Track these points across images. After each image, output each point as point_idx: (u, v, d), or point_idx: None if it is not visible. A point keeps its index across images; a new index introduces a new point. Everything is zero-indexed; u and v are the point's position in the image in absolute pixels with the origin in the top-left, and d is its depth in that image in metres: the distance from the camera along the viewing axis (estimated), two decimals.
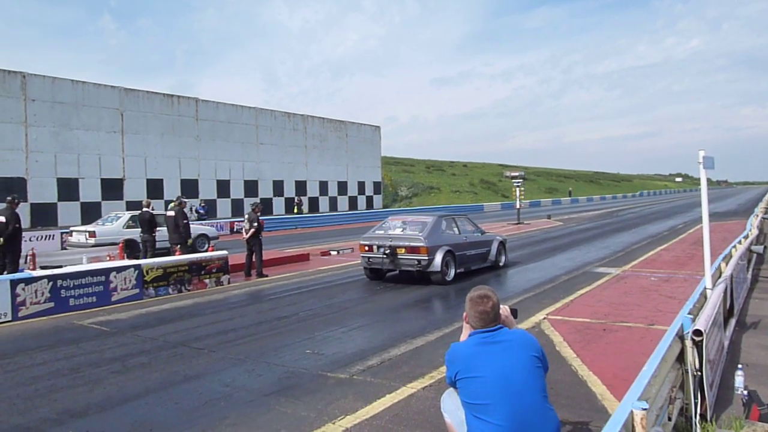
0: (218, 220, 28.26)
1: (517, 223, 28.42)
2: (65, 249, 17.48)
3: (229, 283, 11.98)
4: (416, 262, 11.15)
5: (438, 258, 11.13)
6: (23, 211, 26.74)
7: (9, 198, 11.30)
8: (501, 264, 13.45)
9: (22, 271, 11.10)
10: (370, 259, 11.70)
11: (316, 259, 16.15)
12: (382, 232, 11.97)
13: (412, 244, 11.19)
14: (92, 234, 16.80)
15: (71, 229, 18.63)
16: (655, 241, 18.62)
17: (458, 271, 11.73)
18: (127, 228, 16.81)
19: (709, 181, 5.53)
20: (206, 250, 18.61)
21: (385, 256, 11.32)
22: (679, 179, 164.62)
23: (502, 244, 13.57)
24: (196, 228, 19.93)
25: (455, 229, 12.23)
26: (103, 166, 29.66)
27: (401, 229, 11.83)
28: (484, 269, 13.04)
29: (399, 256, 11.29)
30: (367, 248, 11.74)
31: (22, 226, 11.87)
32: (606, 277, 11.53)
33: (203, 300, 10.34)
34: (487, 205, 51.94)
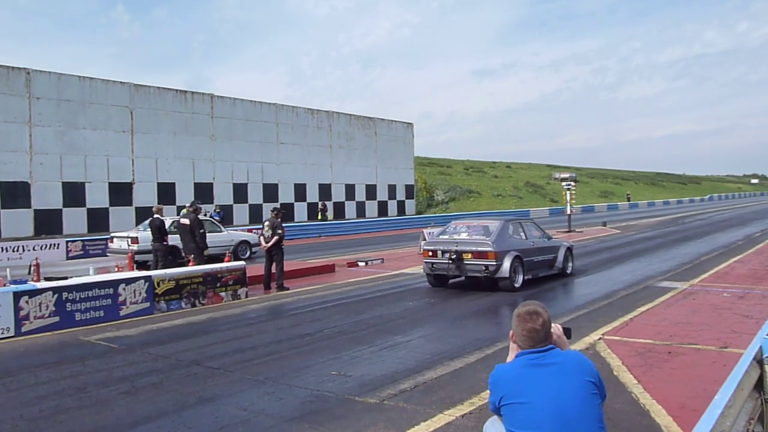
0: (235, 228, 28.63)
1: (567, 231, 28.08)
2: (107, 255, 18.22)
3: (246, 296, 12.11)
4: (483, 268, 11.63)
5: (506, 264, 11.64)
6: (27, 217, 27.52)
7: None
8: (568, 272, 13.93)
9: (24, 282, 11.39)
10: (434, 265, 12.26)
11: (343, 270, 16.21)
12: (446, 236, 12.53)
13: (480, 249, 11.70)
14: (135, 240, 17.37)
15: (112, 235, 19.48)
16: (728, 252, 18.18)
17: (526, 277, 12.25)
18: (169, 233, 17.24)
19: None
20: (248, 258, 19.28)
21: (450, 261, 11.85)
22: (755, 181, 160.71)
23: (569, 250, 14.11)
24: (237, 234, 20.68)
25: (522, 234, 12.77)
26: (112, 169, 30.36)
27: (467, 234, 12.35)
28: (550, 277, 13.47)
29: (465, 262, 11.81)
30: (431, 253, 12.31)
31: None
32: (671, 292, 11.30)
33: (219, 315, 10.47)
34: (534, 211, 51.48)
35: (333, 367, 6.84)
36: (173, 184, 32.85)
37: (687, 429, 4.57)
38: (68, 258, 20.68)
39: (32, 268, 14.09)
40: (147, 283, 10.55)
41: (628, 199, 73.33)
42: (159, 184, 32.23)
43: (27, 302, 9.08)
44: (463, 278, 12.94)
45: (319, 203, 40.08)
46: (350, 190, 43.62)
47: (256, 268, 14.31)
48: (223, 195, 35.15)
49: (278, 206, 14.69)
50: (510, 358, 3.15)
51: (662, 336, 7.85)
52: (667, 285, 12.24)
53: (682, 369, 6.43)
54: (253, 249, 20.30)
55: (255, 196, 37.06)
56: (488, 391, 3.06)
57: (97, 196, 29.81)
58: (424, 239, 18.08)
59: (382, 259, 18.27)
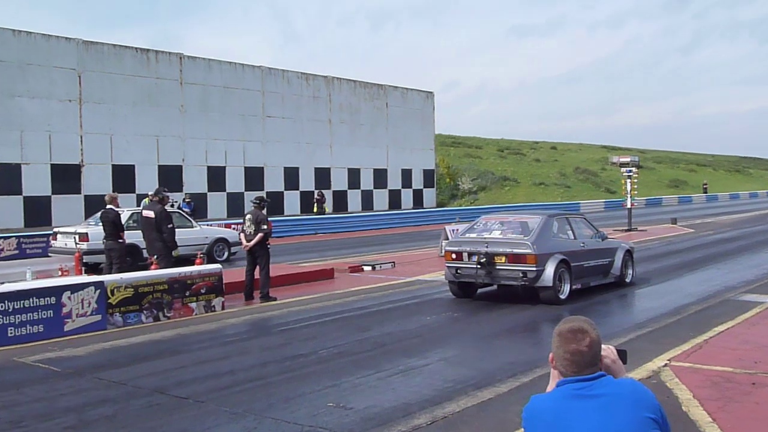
0: (209, 223, 28.76)
1: (627, 230, 28.00)
2: (48, 256, 18.32)
3: (223, 308, 12.15)
4: (521, 275, 11.63)
5: (549, 269, 11.61)
6: None
7: None
8: (627, 280, 13.96)
9: None
10: (459, 271, 12.28)
11: (344, 276, 16.25)
12: (474, 235, 12.62)
13: (516, 251, 11.69)
14: (84, 237, 17.44)
15: (56, 230, 19.52)
16: None
17: (574, 287, 12.21)
18: (127, 229, 17.38)
19: None
20: (226, 260, 19.38)
21: (479, 266, 11.82)
22: None
23: (628, 253, 14.15)
24: (213, 230, 20.73)
25: (569, 232, 12.81)
26: (55, 148, 30.44)
27: (500, 232, 12.41)
28: (604, 287, 13.45)
29: (498, 267, 11.80)
30: (454, 256, 12.32)
31: None
32: (756, 308, 11.24)
33: (188, 331, 10.52)
34: (585, 204, 51.32)
35: (330, 397, 6.87)
36: (132, 167, 32.95)
37: None
38: (0, 259, 20.83)
39: None
40: (98, 291, 10.59)
41: (705, 190, 72.94)
42: (114, 167, 32.34)
43: None
44: (494, 287, 12.97)
45: (316, 192, 40.09)
46: (354, 176, 43.63)
47: (236, 273, 14.35)
48: (194, 181, 35.21)
49: (263, 195, 14.72)
50: (550, 387, 3.16)
51: (744, 363, 7.82)
52: (752, 299, 12.18)
53: None
54: (233, 249, 20.37)
55: (235, 182, 37.12)
56: (522, 429, 3.07)
57: (37, 182, 29.93)
58: (447, 238, 18.08)
59: (393, 262, 18.27)
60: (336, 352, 8.89)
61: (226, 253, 20.23)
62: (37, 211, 29.60)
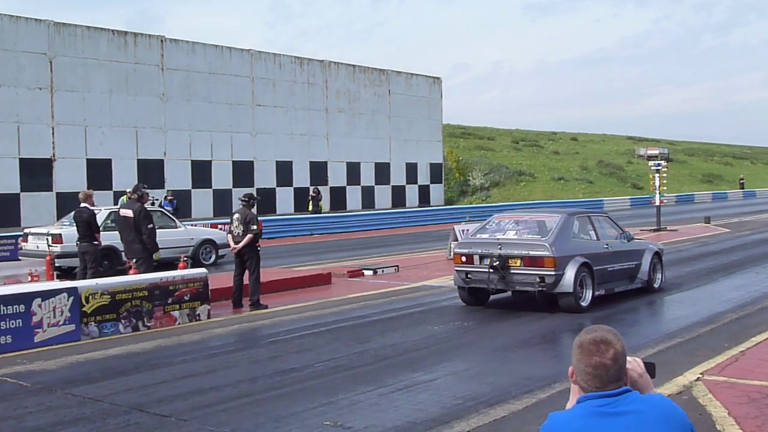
0: (194, 222, 28.74)
1: (656, 230, 28.00)
2: (18, 260, 18.34)
3: (209, 316, 12.16)
4: (538, 279, 11.62)
5: (570, 273, 11.62)
6: None
7: None
8: (655, 285, 13.97)
9: None
10: (469, 275, 12.30)
11: (342, 282, 16.28)
12: (486, 235, 12.64)
13: (533, 253, 11.72)
14: (57, 239, 17.43)
15: (26, 231, 19.51)
16: None
17: (597, 293, 12.21)
18: (103, 230, 17.39)
19: None
20: (213, 264, 19.37)
21: (491, 270, 11.80)
22: None
23: (657, 255, 14.17)
24: (198, 231, 20.69)
25: (592, 232, 12.84)
26: (23, 140, 30.39)
27: (514, 232, 12.43)
28: (630, 293, 13.45)
29: (512, 271, 11.79)
30: (464, 259, 12.32)
31: None
32: None
33: (170, 342, 10.53)
34: (610, 201, 51.34)
35: (326, 416, 6.86)
36: (109, 161, 32.91)
37: None
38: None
39: None
40: (72, 298, 10.58)
41: (742, 186, 72.84)
42: (89, 162, 32.30)
43: None
44: (508, 293, 12.98)
45: (311, 189, 40.07)
46: (353, 170, 43.55)
47: (222, 278, 14.37)
48: (177, 177, 35.16)
49: (253, 192, 14.72)
50: (570, 404, 3.15)
51: None
52: None
53: None
54: (221, 252, 20.35)
55: (222, 178, 37.06)
56: None
57: (4, 178, 29.89)
58: (456, 239, 18.08)
59: (397, 266, 18.28)
60: (332, 365, 8.89)
61: (213, 256, 20.21)
62: (5, 211, 29.58)
